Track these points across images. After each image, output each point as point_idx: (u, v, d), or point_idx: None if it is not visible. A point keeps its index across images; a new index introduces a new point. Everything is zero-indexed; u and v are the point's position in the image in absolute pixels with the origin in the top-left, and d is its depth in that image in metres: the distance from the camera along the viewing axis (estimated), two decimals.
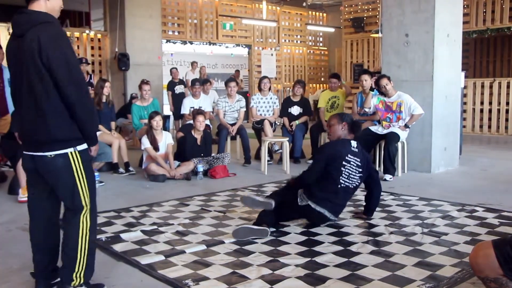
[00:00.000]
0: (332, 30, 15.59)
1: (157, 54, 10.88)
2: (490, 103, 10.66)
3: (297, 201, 3.81)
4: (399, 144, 6.09)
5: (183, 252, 3.33)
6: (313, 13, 15.96)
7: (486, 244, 2.13)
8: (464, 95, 9.66)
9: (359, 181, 3.91)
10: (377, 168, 6.28)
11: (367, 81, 6.65)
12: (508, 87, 10.43)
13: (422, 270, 2.96)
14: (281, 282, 2.81)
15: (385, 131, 6.06)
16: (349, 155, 3.82)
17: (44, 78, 2.41)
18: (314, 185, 3.81)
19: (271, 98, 7.55)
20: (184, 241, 3.59)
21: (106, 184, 5.71)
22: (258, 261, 3.16)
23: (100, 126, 6.46)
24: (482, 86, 10.78)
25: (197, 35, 13.02)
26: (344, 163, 3.79)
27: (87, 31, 10.65)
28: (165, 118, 8.17)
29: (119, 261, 3.21)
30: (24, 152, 2.60)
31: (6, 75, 7.15)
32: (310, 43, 16.09)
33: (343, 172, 3.79)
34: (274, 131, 7.46)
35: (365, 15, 13.36)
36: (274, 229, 3.75)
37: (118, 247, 3.44)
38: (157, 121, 6.02)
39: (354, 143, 3.91)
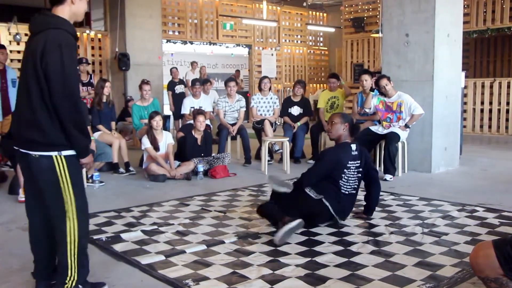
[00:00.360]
0: (332, 30, 15.58)
1: (157, 54, 10.87)
2: (490, 103, 10.65)
3: (309, 194, 3.82)
4: (399, 144, 6.09)
5: (183, 252, 3.33)
6: (314, 13, 15.95)
7: (487, 244, 2.13)
8: (465, 95, 9.65)
9: (357, 182, 3.95)
10: (377, 168, 6.27)
11: (367, 81, 6.65)
12: (508, 87, 10.43)
13: (422, 270, 2.96)
14: (281, 282, 2.81)
15: (385, 131, 6.06)
16: (349, 162, 3.87)
17: (40, 81, 2.41)
18: (317, 186, 3.85)
19: (271, 98, 7.55)
20: (184, 241, 3.59)
21: (107, 184, 5.71)
22: (258, 261, 3.16)
23: (100, 126, 6.46)
24: (483, 86, 10.78)
25: (197, 35, 13.02)
26: (345, 170, 3.86)
27: (87, 31, 10.64)
28: (165, 118, 8.17)
29: (119, 261, 3.21)
30: (15, 147, 2.59)
31: (10, 75, 7.18)
32: (310, 43, 16.08)
33: (343, 177, 3.86)
34: (274, 131, 7.46)
35: (365, 15, 13.36)
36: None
37: (118, 247, 3.44)
38: (157, 121, 6.02)
39: (353, 146, 3.94)
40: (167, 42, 12.34)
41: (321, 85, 15.69)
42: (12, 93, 7.08)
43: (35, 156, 2.48)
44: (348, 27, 13.72)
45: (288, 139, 6.79)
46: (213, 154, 6.49)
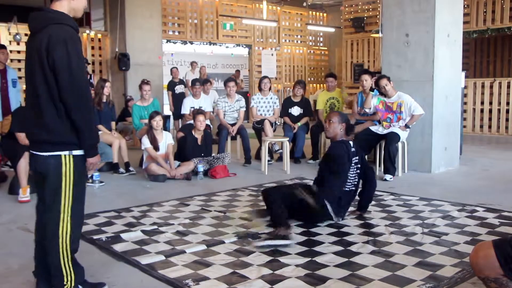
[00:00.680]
0: (332, 30, 15.59)
1: (158, 54, 10.87)
2: (491, 103, 10.65)
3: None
4: (400, 144, 6.09)
5: (183, 252, 3.33)
6: (314, 13, 15.95)
7: (487, 244, 2.12)
8: (465, 95, 9.64)
9: (357, 179, 4.02)
10: (378, 168, 6.28)
11: (367, 81, 6.64)
12: (508, 87, 10.43)
13: (422, 270, 2.96)
14: (281, 282, 2.81)
15: (385, 131, 6.06)
16: (352, 158, 3.95)
17: (48, 79, 2.40)
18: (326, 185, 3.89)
19: (271, 98, 7.55)
20: (184, 241, 3.59)
21: (107, 184, 5.71)
22: (258, 261, 3.16)
23: (100, 126, 6.46)
24: (483, 86, 10.78)
25: (197, 35, 13.02)
26: (351, 164, 3.94)
27: (87, 31, 10.64)
28: (165, 118, 8.17)
29: (119, 261, 3.21)
30: (30, 150, 2.60)
31: (11, 75, 7.17)
32: (310, 43, 16.08)
33: (349, 173, 3.93)
34: (274, 131, 7.46)
35: (365, 15, 13.36)
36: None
37: (118, 247, 3.44)
38: (157, 121, 6.02)
39: (351, 143, 4.03)
40: (167, 42, 12.34)
41: (321, 85, 15.69)
42: (12, 93, 7.08)
43: (43, 156, 2.49)
44: (348, 27, 13.72)
45: (288, 139, 6.79)
46: (213, 154, 6.49)
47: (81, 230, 2.66)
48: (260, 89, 7.57)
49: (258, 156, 7.27)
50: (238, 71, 13.60)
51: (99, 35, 10.80)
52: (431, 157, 6.26)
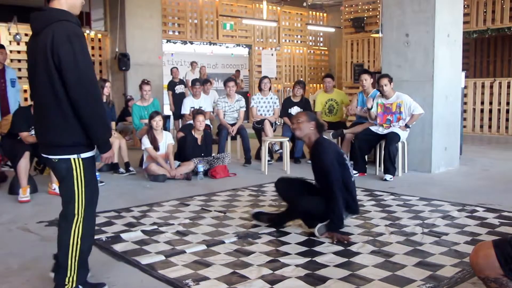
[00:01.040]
0: (332, 30, 15.59)
1: (158, 54, 10.88)
2: (491, 103, 10.65)
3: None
4: (400, 144, 6.09)
5: (183, 252, 3.33)
6: (314, 13, 15.96)
7: (487, 244, 2.12)
8: (465, 95, 9.65)
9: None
10: (378, 168, 6.28)
11: (367, 80, 6.64)
12: (508, 87, 10.43)
13: (422, 270, 2.96)
14: (281, 282, 2.81)
15: (385, 131, 6.06)
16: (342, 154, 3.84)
17: (54, 79, 2.38)
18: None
19: (271, 98, 7.55)
20: (184, 241, 3.59)
21: (107, 184, 5.71)
22: (258, 261, 3.16)
23: None
24: (483, 86, 10.78)
25: (197, 35, 13.03)
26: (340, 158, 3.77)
27: (87, 31, 10.63)
28: (166, 118, 8.17)
29: (119, 261, 3.21)
30: (40, 152, 2.63)
31: (9, 75, 7.17)
32: (310, 43, 16.09)
33: (347, 166, 3.79)
34: (274, 131, 7.46)
35: (365, 15, 13.36)
36: None
37: (118, 247, 3.44)
38: (157, 121, 6.02)
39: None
40: (167, 42, 12.34)
41: (321, 85, 15.67)
42: (11, 93, 7.08)
43: (54, 161, 2.51)
44: (348, 27, 13.72)
45: (288, 139, 6.79)
46: (213, 154, 6.49)
47: (93, 232, 2.67)
48: (260, 89, 7.57)
49: (258, 156, 7.27)
50: (238, 71, 13.61)
51: (99, 35, 10.80)
52: (431, 157, 6.26)
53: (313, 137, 3.78)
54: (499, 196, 4.91)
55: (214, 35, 13.39)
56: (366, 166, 6.31)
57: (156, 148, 6.03)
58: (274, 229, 3.82)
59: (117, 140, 6.41)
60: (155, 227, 3.94)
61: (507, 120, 10.46)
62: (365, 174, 6.20)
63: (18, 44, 9.31)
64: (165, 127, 6.95)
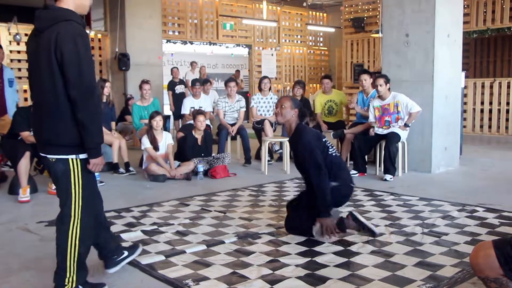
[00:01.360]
0: (332, 30, 15.59)
1: (158, 54, 10.88)
2: (491, 103, 10.66)
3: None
4: (400, 144, 6.09)
5: (183, 252, 3.33)
6: (313, 13, 15.96)
7: (487, 244, 2.12)
8: (465, 95, 9.64)
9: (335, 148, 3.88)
10: (378, 168, 6.29)
11: (366, 80, 6.65)
12: (508, 87, 10.43)
13: (422, 270, 2.96)
14: (281, 282, 2.81)
15: (385, 131, 6.06)
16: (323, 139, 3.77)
17: (56, 78, 2.37)
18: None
19: (271, 98, 7.55)
20: (184, 241, 3.59)
21: (107, 184, 5.71)
22: (258, 261, 3.16)
23: None
24: (483, 86, 10.78)
25: (197, 35, 13.03)
26: (325, 139, 3.76)
27: (87, 31, 10.63)
28: (165, 118, 8.18)
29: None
30: (38, 152, 2.62)
31: (7, 75, 7.15)
32: (310, 43, 16.09)
33: (329, 146, 3.74)
34: (274, 131, 7.46)
35: (365, 15, 13.36)
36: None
37: None
38: (157, 121, 6.02)
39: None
40: (167, 42, 12.34)
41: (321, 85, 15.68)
42: (9, 93, 7.05)
43: (52, 160, 2.49)
44: (348, 27, 13.72)
45: (287, 139, 6.77)
46: (213, 154, 6.49)
47: (92, 233, 2.67)
48: (260, 89, 7.57)
49: (258, 156, 7.28)
50: (238, 71, 13.61)
51: (99, 35, 10.80)
52: (431, 157, 6.26)
53: (293, 124, 3.77)
54: (499, 196, 4.91)
55: (214, 35, 13.39)
56: (366, 166, 6.31)
57: (156, 148, 6.03)
58: (274, 229, 3.82)
59: (117, 140, 6.41)
60: (155, 227, 3.94)
61: (507, 120, 10.46)
62: (365, 174, 6.20)
63: (18, 44, 9.31)
64: (165, 127, 6.95)
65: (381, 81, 6.01)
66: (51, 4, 2.47)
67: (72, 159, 2.47)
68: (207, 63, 13.54)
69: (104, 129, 6.44)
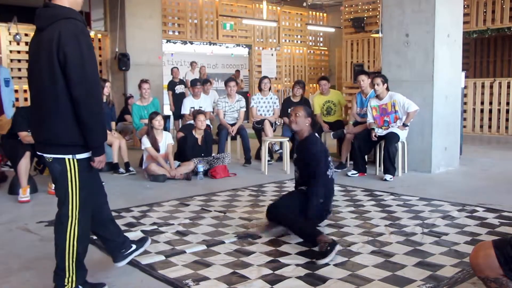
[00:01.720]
0: (332, 30, 15.59)
1: (158, 54, 10.88)
2: (491, 103, 10.65)
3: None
4: (399, 144, 6.09)
5: (183, 252, 3.33)
6: (313, 13, 15.96)
7: (487, 244, 2.12)
8: (464, 95, 9.65)
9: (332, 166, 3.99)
10: (378, 168, 6.29)
11: (364, 81, 6.63)
12: (508, 87, 10.43)
13: (422, 270, 2.96)
14: (281, 282, 2.81)
15: (384, 132, 6.05)
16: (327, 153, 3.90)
17: (56, 76, 2.36)
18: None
19: (271, 98, 7.55)
20: (184, 241, 3.59)
21: (106, 184, 5.66)
22: (258, 261, 3.16)
23: None
24: (483, 86, 10.78)
25: (197, 35, 13.03)
26: (330, 159, 3.90)
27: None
28: (165, 118, 8.18)
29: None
30: (36, 151, 2.63)
31: (3, 74, 7.14)
32: (310, 43, 16.09)
33: (330, 164, 3.87)
34: (274, 131, 7.46)
35: (365, 15, 13.35)
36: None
37: None
38: (159, 121, 6.02)
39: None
40: (167, 42, 12.34)
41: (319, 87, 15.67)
42: (5, 93, 7.04)
43: (48, 160, 2.49)
44: (348, 27, 13.71)
45: (287, 139, 6.79)
46: (213, 154, 6.49)
47: (89, 234, 2.67)
48: (260, 89, 7.57)
49: (258, 156, 7.28)
50: (238, 71, 13.61)
51: (99, 35, 10.80)
52: (431, 157, 6.26)
53: (306, 133, 3.91)
54: (499, 196, 4.91)
55: (214, 35, 13.39)
56: (366, 166, 6.31)
57: (157, 149, 6.03)
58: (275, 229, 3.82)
59: (117, 140, 6.41)
60: (155, 227, 3.94)
61: (507, 120, 10.46)
62: (365, 174, 6.20)
63: (18, 44, 9.32)
64: (165, 127, 6.95)
65: (378, 80, 6.01)
66: (50, 2, 2.46)
67: (68, 159, 2.46)
68: (207, 63, 13.54)
69: None
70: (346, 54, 13.83)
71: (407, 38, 6.38)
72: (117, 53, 10.30)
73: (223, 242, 3.53)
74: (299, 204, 3.72)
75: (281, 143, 7.08)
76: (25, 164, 5.02)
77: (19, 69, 9.32)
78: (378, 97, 6.11)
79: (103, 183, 5.64)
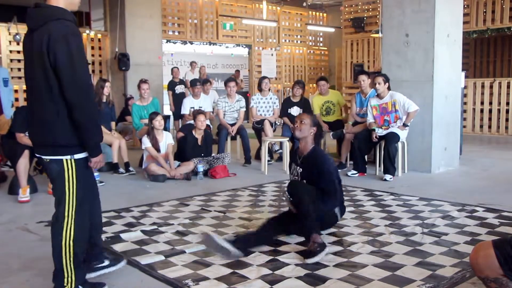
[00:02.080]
0: (332, 30, 15.59)
1: (157, 54, 10.88)
2: (490, 103, 10.65)
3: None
4: (399, 144, 6.09)
5: (183, 252, 3.33)
6: (313, 13, 15.96)
7: (486, 244, 2.12)
8: (464, 95, 9.64)
9: None
10: (377, 168, 6.28)
11: (365, 81, 6.64)
12: (508, 87, 10.42)
13: (422, 270, 2.96)
14: (281, 282, 2.81)
15: (384, 132, 6.05)
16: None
17: (49, 78, 2.36)
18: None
19: (271, 98, 7.55)
20: (184, 241, 3.59)
21: (106, 184, 5.71)
22: (258, 261, 3.16)
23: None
24: (482, 86, 10.78)
25: (197, 35, 13.03)
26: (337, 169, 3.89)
27: (87, 31, 10.64)
28: (165, 118, 8.17)
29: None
30: (34, 152, 2.62)
31: (2, 74, 7.14)
32: (310, 43, 16.09)
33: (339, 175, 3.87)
34: (274, 131, 7.46)
35: (365, 15, 13.36)
36: (243, 255, 3.23)
37: (118, 247, 3.44)
38: (159, 121, 6.02)
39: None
40: (167, 42, 12.34)
41: (317, 87, 15.66)
42: (4, 93, 7.04)
43: (46, 161, 2.49)
44: (348, 27, 13.72)
45: (287, 139, 6.79)
46: (213, 154, 6.49)
47: (86, 233, 2.64)
48: (260, 90, 7.57)
49: (258, 156, 7.27)
50: (238, 71, 13.60)
51: (99, 35, 10.80)
52: (431, 157, 6.26)
53: (309, 142, 3.79)
54: (499, 196, 4.91)
55: (214, 35, 13.39)
56: (366, 166, 6.31)
57: (157, 149, 6.03)
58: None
59: (117, 140, 6.41)
60: (155, 227, 3.94)
61: (507, 120, 10.46)
62: (365, 174, 6.20)
63: (18, 44, 9.31)
64: (165, 127, 6.95)
65: (380, 79, 6.01)
66: (42, 2, 2.45)
67: (66, 159, 2.45)
68: (207, 63, 13.53)
69: (104, 129, 6.48)
70: (346, 54, 13.84)
71: (407, 38, 6.38)
72: (117, 53, 10.30)
73: None
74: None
75: (281, 143, 7.08)
76: (24, 163, 5.02)
77: (19, 69, 9.31)
78: (378, 96, 6.11)
79: (103, 183, 5.70)
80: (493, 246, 2.07)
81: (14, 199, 4.96)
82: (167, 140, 6.16)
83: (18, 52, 9.41)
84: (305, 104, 7.53)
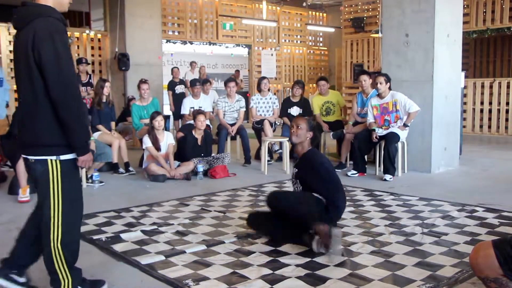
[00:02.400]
0: (332, 30, 15.59)
1: (157, 54, 10.88)
2: (490, 103, 10.65)
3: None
4: (399, 144, 6.09)
5: (183, 252, 3.33)
6: (313, 13, 15.96)
7: (486, 244, 2.13)
8: (464, 95, 9.65)
9: None
10: (377, 168, 6.29)
11: (366, 81, 6.64)
12: (508, 87, 10.42)
13: (422, 270, 2.96)
14: (281, 282, 2.81)
15: (384, 132, 6.06)
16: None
17: (34, 77, 2.32)
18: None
19: (270, 98, 7.55)
20: (184, 241, 3.59)
21: (106, 184, 5.71)
22: (258, 261, 3.16)
23: (100, 126, 6.46)
24: (482, 86, 10.77)
25: (197, 35, 13.03)
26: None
27: (87, 31, 10.64)
28: (165, 118, 8.17)
29: (119, 261, 3.21)
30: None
31: None
32: (310, 43, 16.09)
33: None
34: (274, 131, 7.46)
35: (365, 15, 13.35)
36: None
37: (118, 247, 3.44)
38: (159, 121, 6.02)
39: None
40: (167, 42, 12.34)
41: (317, 87, 15.66)
42: (0, 93, 7.03)
43: (31, 161, 2.43)
44: (348, 27, 13.71)
45: (287, 139, 6.78)
46: (212, 154, 6.49)
47: (75, 235, 2.57)
48: (259, 90, 7.57)
49: (258, 156, 7.27)
50: (238, 71, 13.60)
51: (99, 35, 10.80)
52: (431, 157, 6.26)
53: (306, 146, 3.80)
54: (499, 196, 4.92)
55: (214, 35, 13.39)
56: (366, 166, 6.31)
57: (158, 148, 6.03)
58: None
59: (117, 140, 6.41)
60: (155, 227, 3.94)
61: (507, 120, 10.45)
62: (365, 174, 6.20)
63: None
64: (165, 127, 6.95)
65: (381, 79, 6.02)
66: (29, 1, 2.42)
67: (51, 160, 2.39)
68: (207, 63, 13.54)
69: (104, 129, 6.49)
70: (346, 54, 13.83)
71: (407, 38, 6.39)
72: (117, 53, 10.29)
73: (223, 242, 3.53)
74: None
75: (280, 143, 7.08)
76: (23, 163, 5.01)
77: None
78: (379, 96, 6.11)
79: (103, 183, 5.70)
80: (493, 246, 2.08)
81: (14, 199, 4.96)
82: (168, 140, 6.16)
83: None
84: (304, 104, 7.53)
